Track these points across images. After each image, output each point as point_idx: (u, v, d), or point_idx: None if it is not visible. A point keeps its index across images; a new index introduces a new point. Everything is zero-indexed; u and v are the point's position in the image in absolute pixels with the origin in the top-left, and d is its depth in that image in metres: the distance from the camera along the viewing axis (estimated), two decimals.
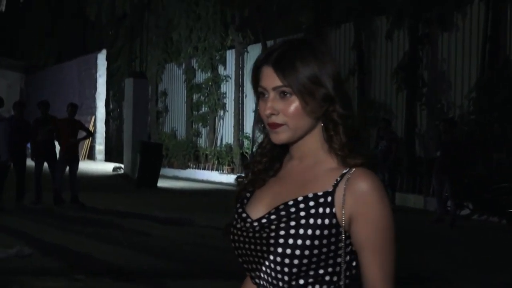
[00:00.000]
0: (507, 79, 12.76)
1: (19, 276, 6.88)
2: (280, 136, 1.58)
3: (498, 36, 13.16)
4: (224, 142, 21.39)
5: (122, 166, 21.24)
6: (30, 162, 12.38)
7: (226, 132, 21.40)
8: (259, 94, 1.61)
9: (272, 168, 1.68)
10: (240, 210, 1.65)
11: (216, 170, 20.63)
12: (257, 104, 1.64)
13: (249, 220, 1.60)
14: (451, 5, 14.00)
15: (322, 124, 1.59)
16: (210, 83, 21.87)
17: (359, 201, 1.50)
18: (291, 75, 1.54)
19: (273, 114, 1.56)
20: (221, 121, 21.84)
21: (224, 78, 21.63)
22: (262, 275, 1.57)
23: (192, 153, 22.28)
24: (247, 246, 1.59)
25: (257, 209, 1.61)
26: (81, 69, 29.06)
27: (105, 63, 27.56)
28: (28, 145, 12.50)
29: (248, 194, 1.69)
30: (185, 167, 21.96)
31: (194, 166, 21.83)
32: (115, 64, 26.86)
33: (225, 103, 21.59)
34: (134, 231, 9.94)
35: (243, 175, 1.74)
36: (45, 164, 12.49)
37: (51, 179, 12.57)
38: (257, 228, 1.57)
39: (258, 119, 1.64)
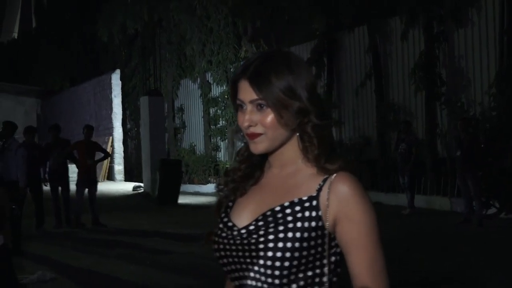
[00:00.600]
0: None
1: None
2: (258, 146, 1.64)
3: None
4: None
5: (142, 185, 21.16)
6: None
7: None
8: (238, 106, 1.66)
9: (253, 176, 1.74)
10: (225, 219, 1.70)
11: None
12: (236, 115, 1.69)
13: (235, 228, 1.65)
14: (465, 0, 13.77)
15: (298, 134, 1.65)
16: (226, 96, 21.74)
17: (343, 203, 1.56)
18: (266, 88, 1.59)
19: (251, 125, 1.63)
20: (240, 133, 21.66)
21: None
22: (249, 282, 1.60)
23: (212, 168, 22.14)
24: (234, 253, 1.63)
25: (242, 217, 1.66)
26: (96, 91, 29.09)
27: (120, 83, 27.58)
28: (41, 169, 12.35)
29: (230, 203, 1.74)
30: (206, 182, 21.82)
31: (214, 181, 21.68)
32: (130, 83, 26.87)
33: None
34: (158, 249, 9.81)
35: (222, 183, 1.78)
36: None
37: (62, 202, 12.47)
38: (244, 235, 1.61)
39: (237, 129, 1.70)
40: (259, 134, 1.62)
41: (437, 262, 8.11)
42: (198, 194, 20.28)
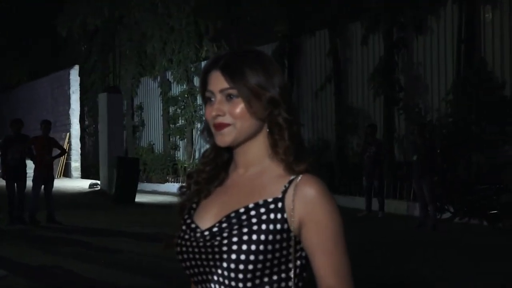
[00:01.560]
0: (483, 80, 12.73)
1: None
2: (225, 138, 1.61)
3: (473, 37, 13.14)
4: None
5: (99, 182, 20.96)
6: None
7: (204, 144, 21.17)
8: (207, 100, 1.64)
9: (217, 177, 1.71)
10: (188, 221, 1.67)
11: None
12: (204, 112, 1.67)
13: (198, 230, 1.62)
14: (425, 8, 13.98)
15: (267, 129, 1.62)
16: (186, 95, 21.70)
17: (308, 206, 1.54)
18: (238, 78, 1.59)
19: (219, 115, 1.60)
20: (199, 133, 21.63)
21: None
22: (213, 286, 1.57)
23: (170, 167, 22.05)
24: (197, 256, 1.59)
25: (205, 219, 1.64)
26: (53, 86, 28.74)
27: (78, 79, 27.29)
28: None
29: (194, 205, 1.71)
30: (164, 181, 21.72)
31: (172, 180, 21.61)
32: (89, 80, 26.60)
33: (202, 115, 21.41)
34: (113, 248, 9.72)
35: (185, 185, 1.76)
36: None
37: (17, 199, 12.26)
38: (208, 237, 1.58)
39: (205, 128, 1.69)
40: (227, 125, 1.60)
41: (398, 265, 8.21)
42: (156, 193, 20.17)
